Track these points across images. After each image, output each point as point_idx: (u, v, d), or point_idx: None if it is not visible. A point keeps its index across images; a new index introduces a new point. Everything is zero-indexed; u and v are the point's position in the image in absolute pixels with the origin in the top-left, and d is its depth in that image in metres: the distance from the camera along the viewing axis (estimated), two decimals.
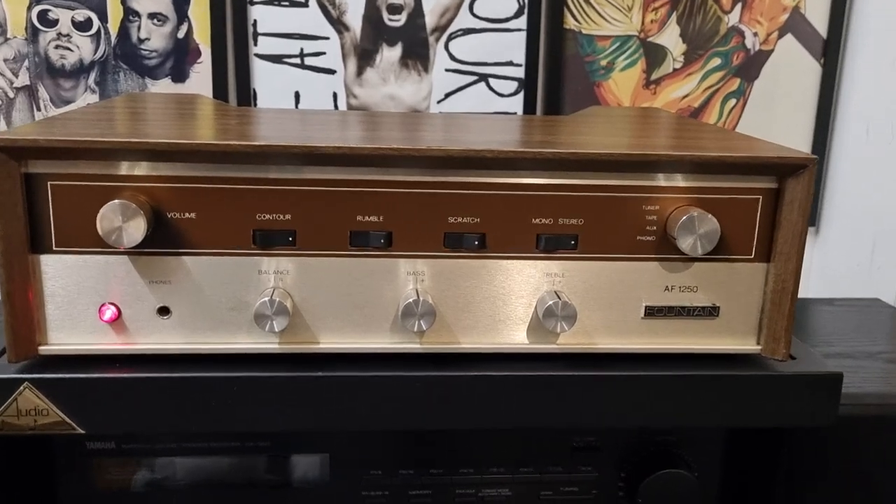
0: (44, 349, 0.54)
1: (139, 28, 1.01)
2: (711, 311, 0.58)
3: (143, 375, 0.54)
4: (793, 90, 1.11)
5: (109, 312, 0.54)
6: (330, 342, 0.56)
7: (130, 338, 0.55)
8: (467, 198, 0.55)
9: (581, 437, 0.67)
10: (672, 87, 1.10)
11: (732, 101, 1.11)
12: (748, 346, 0.59)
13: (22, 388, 0.52)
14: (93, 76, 1.02)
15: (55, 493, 0.63)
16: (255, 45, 1.04)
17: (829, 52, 1.10)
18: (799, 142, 1.13)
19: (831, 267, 1.15)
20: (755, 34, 1.09)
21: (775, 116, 1.12)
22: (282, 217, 0.54)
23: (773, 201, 0.56)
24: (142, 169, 0.52)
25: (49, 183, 0.51)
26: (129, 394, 0.54)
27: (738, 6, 1.08)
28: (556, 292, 0.56)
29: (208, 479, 0.64)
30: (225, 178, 0.53)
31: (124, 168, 0.52)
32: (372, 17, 1.04)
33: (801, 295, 1.14)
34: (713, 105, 1.11)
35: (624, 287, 0.57)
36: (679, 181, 0.56)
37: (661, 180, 0.56)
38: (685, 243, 0.54)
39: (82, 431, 0.54)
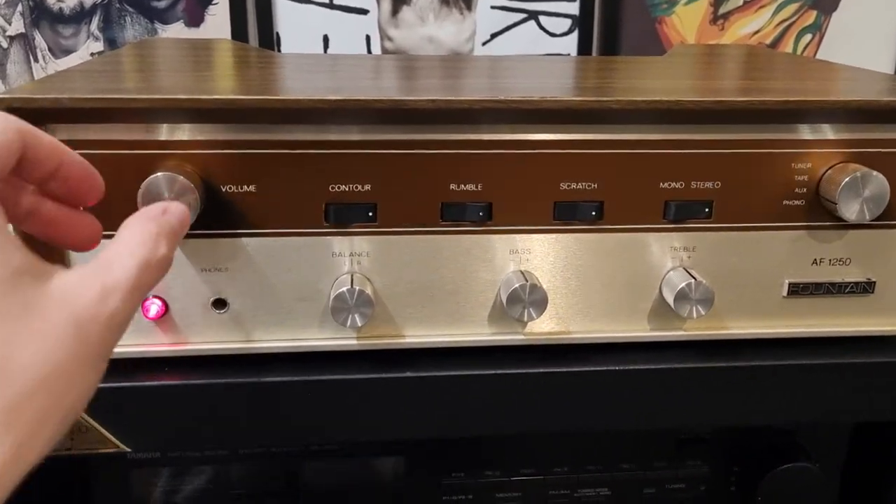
0: None
1: None
2: (866, 287, 0.49)
3: (196, 381, 0.45)
4: (875, 23, 1.00)
5: (155, 308, 0.44)
6: (417, 335, 0.47)
7: (181, 336, 0.45)
8: (583, 158, 0.45)
9: (689, 429, 0.58)
10: (742, 22, 0.99)
11: (808, 37, 1.00)
12: None
13: None
14: (95, 21, 0.91)
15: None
16: None
17: None
18: None
19: None
20: None
21: (856, 52, 1.01)
22: (359, 188, 0.44)
23: None
24: (186, 133, 0.42)
25: (76, 152, 0.41)
26: (181, 403, 0.45)
27: None
28: (685, 270, 0.47)
29: (258, 487, 0.56)
30: (289, 141, 0.43)
31: (164, 132, 0.42)
32: None
33: None
34: (787, 41, 1.00)
35: (765, 262, 0.48)
36: (828, 133, 0.46)
37: (808, 133, 0.46)
38: (850, 210, 0.45)
39: (127, 449, 0.45)
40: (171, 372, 0.45)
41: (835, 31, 1.00)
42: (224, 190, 0.43)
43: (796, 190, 0.47)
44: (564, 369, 0.47)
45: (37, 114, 0.39)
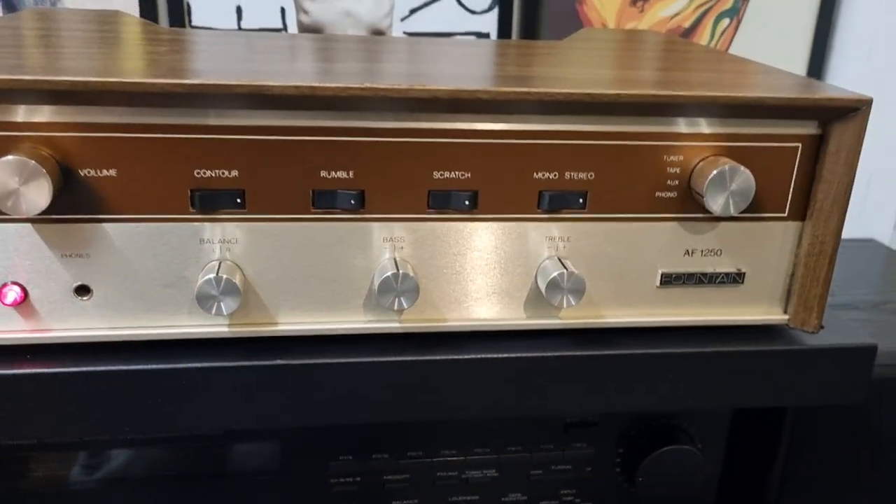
0: None
1: None
2: (736, 278, 0.50)
3: (59, 370, 0.44)
4: (791, 9, 1.02)
5: (13, 294, 0.43)
6: (290, 323, 0.47)
7: (42, 323, 0.44)
8: (456, 148, 0.45)
9: (577, 413, 0.59)
10: (660, 6, 0.99)
11: (725, 22, 1.01)
12: (774, 315, 0.51)
13: None
14: None
15: None
16: None
17: None
18: (796, 64, 1.04)
19: None
20: None
21: (770, 38, 1.02)
22: (227, 174, 0.43)
23: (815, 150, 0.48)
24: (44, 114, 0.41)
25: None
26: (45, 392, 0.44)
27: None
28: (559, 260, 0.47)
29: (148, 472, 0.55)
30: (153, 125, 0.42)
31: (20, 113, 0.40)
32: None
33: None
34: (705, 25, 1.01)
35: (638, 252, 0.49)
36: (703, 127, 0.47)
37: (683, 126, 0.46)
38: (716, 202, 0.46)
39: None
40: (34, 360, 0.44)
41: (751, 17, 1.01)
42: (83, 174, 0.42)
43: (669, 182, 0.47)
44: (438, 357, 0.47)
45: None
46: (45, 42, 0.53)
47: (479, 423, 0.58)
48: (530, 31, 0.97)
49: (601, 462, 0.61)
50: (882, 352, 0.64)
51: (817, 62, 1.03)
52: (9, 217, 0.41)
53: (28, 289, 0.43)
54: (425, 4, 0.95)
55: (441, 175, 0.45)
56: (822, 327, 0.52)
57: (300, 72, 0.49)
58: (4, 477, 0.54)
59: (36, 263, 0.43)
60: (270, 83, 0.41)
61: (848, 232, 1.04)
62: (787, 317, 0.51)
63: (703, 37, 1.01)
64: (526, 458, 0.60)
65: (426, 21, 0.95)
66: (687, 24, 1.01)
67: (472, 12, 0.96)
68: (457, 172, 0.45)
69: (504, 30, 0.97)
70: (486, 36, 0.97)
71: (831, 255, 0.49)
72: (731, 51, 1.03)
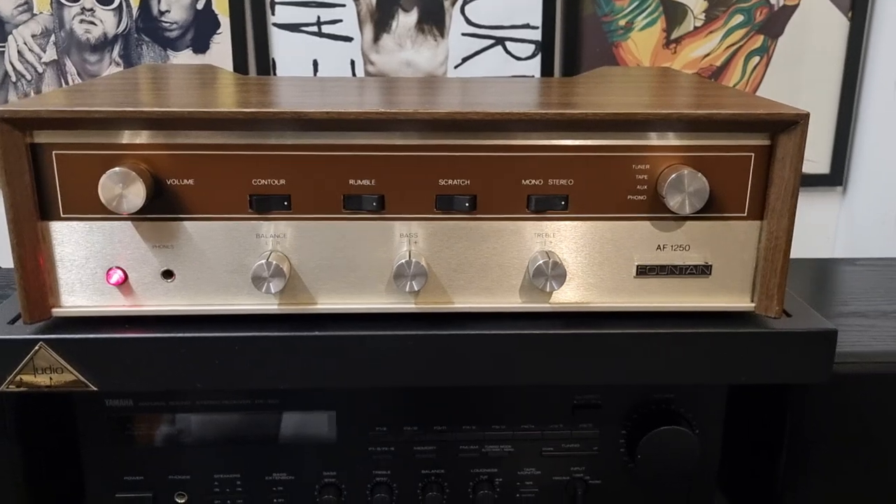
0: (57, 311, 0.57)
1: (159, 1, 1.04)
2: (704, 270, 0.58)
3: (149, 335, 0.57)
4: (819, 46, 1.08)
5: (116, 276, 0.56)
6: (326, 303, 0.58)
7: (137, 300, 0.57)
8: (458, 160, 0.56)
9: (582, 395, 0.68)
10: (693, 46, 1.08)
11: (756, 59, 1.09)
12: (742, 303, 0.59)
13: (37, 347, 0.55)
14: (117, 49, 1.05)
15: (78, 450, 0.67)
16: (273, 14, 1.05)
17: (857, 6, 1.06)
18: (825, 99, 1.10)
19: (858, 228, 1.13)
20: None
21: (801, 73, 1.09)
22: (277, 182, 0.55)
23: (766, 158, 0.56)
24: (142, 137, 0.54)
25: (53, 152, 0.53)
26: (137, 353, 0.57)
27: None
28: (546, 252, 0.57)
29: (221, 434, 0.67)
30: (220, 144, 0.54)
31: (125, 137, 0.54)
32: None
33: (826, 255, 1.12)
34: (736, 63, 1.09)
35: (615, 246, 0.58)
36: (670, 139, 0.56)
37: (652, 139, 0.56)
38: (674, 202, 0.55)
39: (95, 388, 0.57)
40: (130, 328, 0.57)
41: (781, 54, 1.08)
42: (169, 183, 0.55)
43: (638, 187, 0.56)
44: (447, 332, 0.57)
45: (22, 122, 0.51)
46: (149, 87, 0.67)
47: (494, 402, 0.67)
48: (570, 74, 1.07)
49: (607, 442, 0.69)
50: (878, 351, 0.70)
51: (848, 96, 1.09)
52: (115, 216, 0.55)
53: (128, 272, 0.57)
54: (476, 53, 1.08)
55: (445, 182, 0.56)
56: (787, 314, 0.60)
57: (336, 103, 0.61)
58: (100, 433, 0.67)
59: (134, 252, 0.56)
60: (308, 110, 0.53)
61: (881, 251, 1.08)
62: (752, 304, 0.59)
63: (734, 75, 1.09)
64: (538, 435, 0.68)
65: (476, 68, 1.08)
66: (719, 63, 1.09)
67: (518, 59, 1.08)
68: (458, 180, 0.56)
69: (547, 73, 1.08)
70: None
71: (785, 249, 0.56)
72: (763, 87, 1.10)
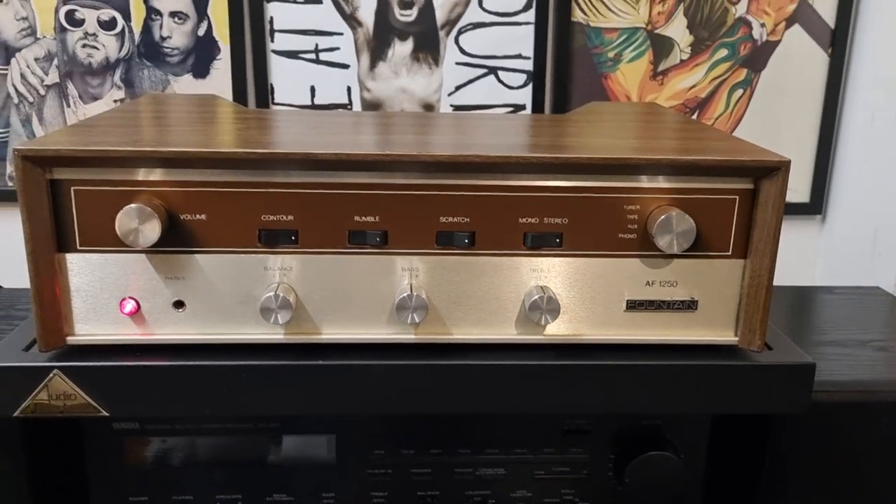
0: (71, 339, 0.59)
1: (161, 26, 1.06)
2: (690, 305, 0.61)
3: (160, 363, 0.59)
4: (800, 80, 1.12)
5: (129, 306, 0.59)
6: (331, 333, 0.61)
7: (149, 329, 0.59)
8: (458, 199, 0.58)
9: (572, 421, 0.70)
10: (679, 78, 1.12)
11: (739, 92, 1.13)
12: (726, 337, 0.62)
13: (52, 374, 0.58)
14: (118, 73, 1.07)
15: (85, 471, 0.69)
16: (272, 41, 1.08)
17: (837, 42, 1.11)
18: (806, 130, 1.14)
19: (836, 255, 1.17)
20: (762, 25, 1.11)
21: (782, 106, 1.13)
22: (285, 218, 0.58)
23: (750, 201, 0.59)
24: (156, 175, 0.57)
25: (72, 188, 0.56)
26: (148, 380, 0.59)
27: None
28: (541, 287, 0.60)
29: (223, 456, 0.70)
30: (232, 182, 0.57)
31: (141, 174, 0.56)
32: (383, 12, 1.08)
33: (805, 283, 1.16)
34: (720, 95, 1.13)
35: (606, 282, 0.61)
36: (659, 182, 0.59)
37: (642, 181, 0.59)
38: (663, 241, 0.58)
39: (106, 414, 0.59)
40: (141, 356, 0.59)
41: (764, 87, 1.13)
42: (182, 217, 0.57)
43: (629, 226, 0.59)
44: (446, 362, 0.60)
45: (43, 160, 0.54)
46: (158, 121, 0.70)
47: (488, 427, 0.70)
48: (560, 103, 1.11)
49: (596, 466, 0.72)
50: (854, 380, 0.73)
51: (828, 128, 1.13)
52: (129, 248, 0.57)
53: (140, 302, 0.59)
54: (469, 81, 1.11)
55: (446, 219, 0.59)
56: (769, 347, 0.63)
57: (342, 142, 0.64)
58: (106, 454, 0.69)
59: (147, 283, 0.59)
60: (317, 151, 0.56)
61: (858, 280, 1.12)
62: (736, 338, 0.62)
63: (718, 106, 1.13)
64: (529, 458, 0.71)
65: (469, 96, 1.11)
66: (704, 95, 1.13)
67: (510, 87, 1.11)
68: (458, 217, 0.59)
69: (538, 102, 1.11)
70: (523, 107, 1.11)
71: (767, 286, 0.59)
72: (746, 118, 1.14)
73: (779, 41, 1.11)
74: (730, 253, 0.60)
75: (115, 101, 1.08)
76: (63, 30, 1.05)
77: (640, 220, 0.59)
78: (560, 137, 0.68)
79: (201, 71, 1.08)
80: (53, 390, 0.58)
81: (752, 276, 0.60)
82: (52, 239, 0.56)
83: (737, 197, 0.59)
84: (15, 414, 0.58)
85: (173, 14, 1.06)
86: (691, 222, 0.58)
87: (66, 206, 0.56)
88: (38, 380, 0.58)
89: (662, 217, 0.57)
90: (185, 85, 1.08)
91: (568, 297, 0.61)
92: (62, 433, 0.69)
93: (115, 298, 0.59)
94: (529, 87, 1.11)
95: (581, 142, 0.65)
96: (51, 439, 0.69)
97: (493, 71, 1.10)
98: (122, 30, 1.06)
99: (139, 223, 0.55)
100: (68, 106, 1.08)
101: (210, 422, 0.69)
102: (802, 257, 1.19)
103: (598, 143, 0.65)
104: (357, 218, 0.58)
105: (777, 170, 0.57)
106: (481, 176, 0.58)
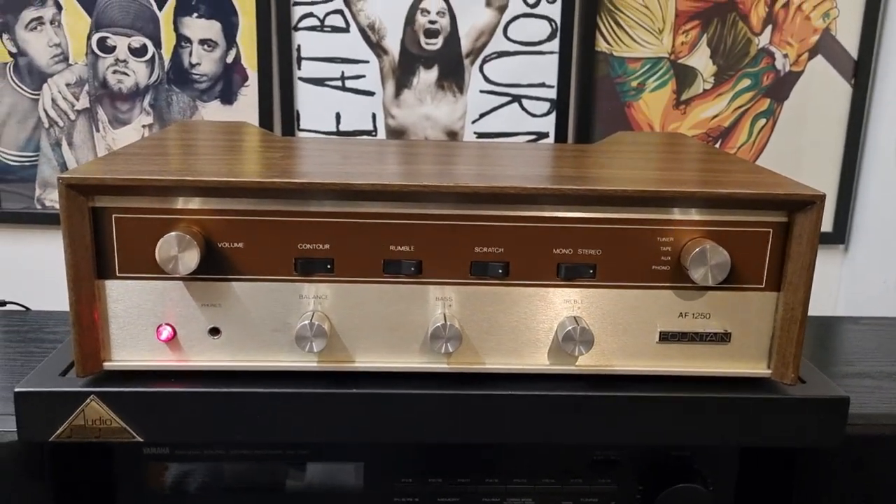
0: (108, 365, 0.59)
1: (191, 53, 1.08)
2: (723, 337, 0.61)
3: (195, 390, 0.59)
4: (823, 110, 1.13)
5: (166, 332, 0.59)
6: (364, 361, 0.61)
7: (184, 355, 0.60)
8: (492, 229, 0.59)
9: (601, 451, 0.70)
10: (702, 108, 1.12)
11: (762, 121, 1.13)
12: (759, 370, 0.62)
13: (88, 400, 0.58)
14: (147, 99, 1.09)
15: (114, 495, 0.69)
16: (299, 68, 1.09)
17: (860, 72, 1.11)
18: (829, 160, 1.15)
19: (860, 285, 1.17)
20: (785, 55, 1.11)
21: (805, 136, 1.14)
22: (321, 247, 0.59)
23: (784, 234, 0.59)
24: (195, 203, 0.57)
25: (113, 216, 0.56)
26: (183, 406, 0.59)
27: (769, 28, 1.10)
28: (574, 318, 0.60)
29: (253, 482, 0.70)
30: (269, 211, 0.58)
31: (180, 202, 0.57)
32: (409, 41, 1.09)
33: (828, 313, 1.15)
34: (743, 125, 1.13)
35: (639, 313, 0.61)
36: (693, 215, 0.59)
37: (676, 214, 0.59)
38: (697, 274, 0.58)
39: (141, 440, 0.59)
40: (177, 382, 0.60)
41: (787, 117, 1.13)
42: (220, 245, 0.58)
43: (662, 258, 0.60)
44: (478, 392, 0.60)
45: (87, 189, 0.55)
46: (193, 149, 0.71)
47: (516, 456, 0.70)
48: (583, 131, 1.11)
49: (624, 497, 0.71)
50: (884, 413, 0.73)
51: (850, 158, 1.13)
52: (167, 276, 0.58)
53: (177, 329, 0.59)
54: (493, 109, 1.12)
55: (480, 250, 0.59)
56: (802, 381, 0.63)
57: (377, 173, 0.65)
58: (136, 478, 0.69)
59: (183, 310, 0.59)
60: (355, 182, 0.56)
61: (883, 311, 1.12)
62: (769, 371, 0.62)
63: (741, 136, 1.14)
64: (557, 489, 0.71)
65: (493, 123, 1.12)
66: (726, 124, 1.13)
67: (533, 115, 1.12)
68: (493, 248, 0.59)
69: (561, 130, 1.12)
70: (546, 135, 1.12)
71: (801, 320, 0.59)
72: (768, 148, 1.14)
73: (802, 71, 1.12)
74: (763, 286, 0.60)
75: (144, 125, 1.10)
76: (95, 56, 1.07)
77: (673, 252, 0.60)
78: (592, 168, 0.68)
79: (229, 97, 1.09)
80: (90, 415, 0.58)
81: (785, 309, 0.60)
82: (92, 266, 0.57)
83: (770, 230, 0.59)
84: (50, 439, 0.59)
85: (203, 42, 1.07)
86: (726, 255, 0.58)
87: (106, 233, 0.57)
88: (74, 405, 0.58)
89: (697, 249, 0.58)
90: (212, 111, 1.10)
91: (600, 328, 0.61)
92: (91, 457, 0.69)
93: (151, 325, 0.59)
94: (553, 116, 1.12)
95: (614, 173, 0.65)
96: (80, 463, 0.69)
97: (516, 99, 1.11)
98: (153, 56, 1.07)
99: (179, 251, 0.56)
100: (97, 130, 1.10)
101: (239, 447, 0.69)
102: (825, 287, 1.19)
103: (630, 174, 0.65)
104: (392, 247, 0.59)
105: (812, 203, 0.57)
106: (516, 207, 0.58)
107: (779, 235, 0.59)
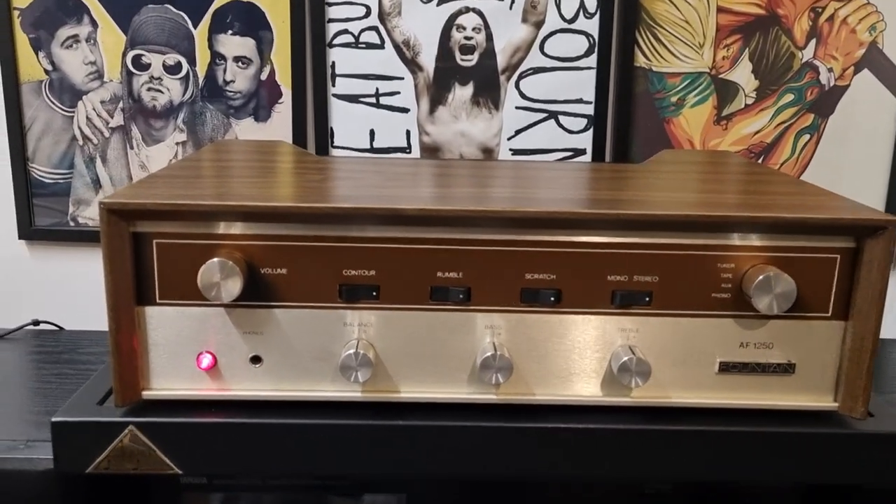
0: (147, 394, 0.57)
1: (225, 71, 1.06)
2: (787, 368, 0.58)
3: (236, 420, 0.57)
4: (869, 126, 1.09)
5: (206, 360, 0.57)
6: (410, 392, 0.58)
7: (225, 384, 0.58)
8: (543, 255, 0.56)
9: (653, 485, 0.67)
10: (744, 124, 1.09)
11: (806, 137, 1.10)
12: (825, 402, 0.59)
13: (127, 430, 0.56)
14: (181, 116, 1.08)
15: None
16: (333, 85, 1.08)
17: None
18: (875, 177, 1.11)
19: None
20: (830, 70, 1.08)
21: (850, 152, 1.10)
22: (366, 273, 0.56)
23: (852, 260, 0.56)
24: (237, 228, 0.56)
25: (154, 241, 0.55)
26: (224, 437, 0.57)
27: (813, 42, 1.07)
28: (630, 347, 0.57)
29: None
30: (313, 236, 0.56)
31: (221, 227, 0.55)
32: (444, 57, 1.07)
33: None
34: (786, 141, 1.10)
35: (698, 343, 0.58)
36: (754, 240, 0.56)
37: (736, 239, 0.56)
38: (761, 303, 0.55)
39: (180, 472, 0.57)
40: (217, 412, 0.58)
41: (831, 133, 1.10)
42: (262, 272, 0.56)
43: (723, 285, 0.57)
44: (526, 425, 0.58)
45: (128, 214, 0.53)
46: (233, 172, 0.69)
47: (563, 488, 0.67)
48: (622, 148, 1.09)
49: None
50: None
51: None
52: (209, 303, 0.56)
53: (217, 357, 0.58)
54: (529, 125, 1.09)
55: (531, 276, 0.57)
56: (870, 415, 0.60)
57: (423, 196, 0.63)
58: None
59: (225, 338, 0.57)
60: (402, 206, 0.54)
61: None
62: (836, 404, 0.58)
63: (784, 152, 1.10)
64: None
65: (529, 140, 1.09)
66: (769, 140, 1.10)
67: (570, 132, 1.09)
68: (544, 274, 0.57)
69: (598, 146, 1.09)
70: (583, 152, 1.10)
71: (872, 350, 0.56)
72: (812, 164, 1.11)
73: (847, 86, 1.09)
74: (829, 314, 0.57)
75: (177, 143, 1.09)
76: (130, 74, 1.06)
77: (734, 279, 0.57)
78: (644, 191, 0.65)
79: (263, 115, 1.08)
80: (128, 446, 0.56)
81: (854, 339, 0.57)
82: (132, 292, 0.55)
83: (838, 255, 0.56)
84: (87, 470, 0.57)
85: (237, 59, 1.06)
86: (792, 283, 0.55)
87: (147, 258, 0.55)
88: (112, 436, 0.56)
89: (761, 277, 0.55)
90: (246, 128, 1.08)
91: (657, 359, 0.58)
92: (128, 486, 0.67)
93: (191, 353, 0.57)
94: (590, 132, 1.09)
95: (667, 196, 0.63)
96: (116, 492, 0.68)
97: (553, 115, 1.09)
98: (187, 74, 1.06)
99: (221, 277, 0.54)
100: (131, 148, 1.09)
101: (277, 477, 0.67)
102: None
103: (684, 197, 0.63)
104: (440, 273, 0.57)
105: (884, 229, 0.54)
106: (569, 232, 0.56)
107: (846, 262, 0.56)
